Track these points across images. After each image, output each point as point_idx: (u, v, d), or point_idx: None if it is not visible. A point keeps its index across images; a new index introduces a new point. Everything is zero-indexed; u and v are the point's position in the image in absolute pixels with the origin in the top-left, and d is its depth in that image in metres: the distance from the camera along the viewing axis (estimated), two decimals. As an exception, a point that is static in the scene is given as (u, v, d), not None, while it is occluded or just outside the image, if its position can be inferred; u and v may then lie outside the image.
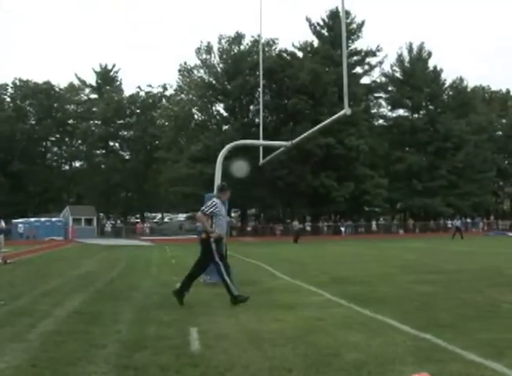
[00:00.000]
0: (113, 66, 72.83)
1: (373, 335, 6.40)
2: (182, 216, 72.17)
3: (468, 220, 59.96)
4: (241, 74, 56.05)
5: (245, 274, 14.76)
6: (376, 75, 68.68)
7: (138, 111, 68.46)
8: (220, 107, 61.24)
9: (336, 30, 59.65)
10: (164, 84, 69.40)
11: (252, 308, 8.63)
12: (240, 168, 52.37)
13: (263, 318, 7.70)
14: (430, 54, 69.07)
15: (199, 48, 60.01)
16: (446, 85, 70.48)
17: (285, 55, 59.06)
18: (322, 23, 64.73)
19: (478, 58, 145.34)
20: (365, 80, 67.31)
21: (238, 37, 60.02)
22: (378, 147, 61.88)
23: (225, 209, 9.85)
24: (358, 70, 66.11)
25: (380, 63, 66.79)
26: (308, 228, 53.63)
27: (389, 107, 70.09)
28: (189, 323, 7.38)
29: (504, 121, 79.09)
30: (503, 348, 5.63)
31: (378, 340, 6.14)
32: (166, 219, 76.23)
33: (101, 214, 63.73)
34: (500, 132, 78.47)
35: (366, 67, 66.51)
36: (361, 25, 63.96)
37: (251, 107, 59.54)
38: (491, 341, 5.99)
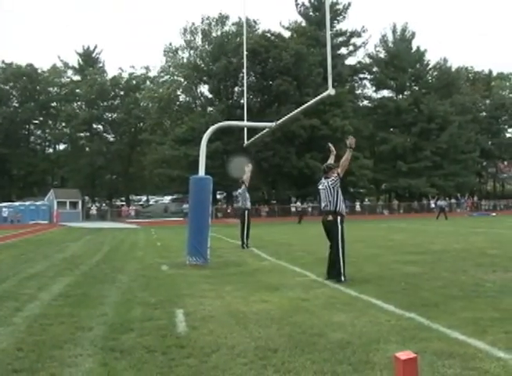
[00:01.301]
0: (95, 47, 72.23)
1: (357, 315, 6.44)
2: (167, 199, 71.99)
3: (452, 200, 60.35)
4: (225, 55, 55.76)
5: (230, 255, 14.81)
6: (360, 56, 68.81)
7: (121, 93, 67.86)
8: (204, 89, 61.08)
9: (322, 11, 59.41)
10: (147, 66, 69.06)
11: (238, 289, 8.67)
12: (237, 166, 52.38)
13: (249, 299, 7.73)
14: (413, 35, 69.11)
15: (184, 29, 59.69)
16: (430, 66, 70.53)
17: (269, 35, 58.81)
18: (308, 3, 64.63)
19: (462, 38, 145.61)
20: (350, 61, 67.53)
21: (222, 18, 59.68)
22: (363, 128, 61.91)
23: None
24: (343, 51, 66.30)
25: (365, 43, 67.02)
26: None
27: (373, 88, 70.25)
28: (175, 305, 7.40)
29: (488, 101, 79.44)
30: (486, 327, 5.70)
31: (363, 320, 6.19)
32: (151, 202, 76.02)
33: (86, 197, 63.31)
34: (484, 113, 78.85)
35: (351, 48, 66.70)
36: (347, 6, 63.88)
37: (236, 89, 59.31)
38: (474, 319, 6.06)
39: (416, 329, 5.68)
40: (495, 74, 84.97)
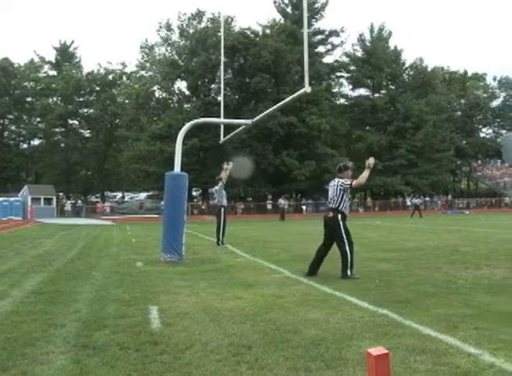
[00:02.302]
0: (72, 42, 71.69)
1: (331, 312, 6.47)
2: (142, 195, 71.64)
3: (427, 198, 60.89)
4: (204, 51, 55.64)
5: (205, 252, 14.77)
6: (338, 55, 69.07)
7: (98, 89, 67.40)
8: (182, 85, 60.92)
9: (300, 9, 59.52)
10: (124, 62, 68.67)
11: (212, 286, 8.66)
12: (243, 166, 52.30)
13: (223, 296, 7.72)
14: (390, 34, 69.78)
15: (160, 26, 59.48)
16: (406, 65, 71.33)
17: (248, 33, 58.81)
18: (286, 0, 64.62)
19: (438, 39, 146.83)
20: (327, 59, 67.79)
21: (199, 14, 59.52)
22: (339, 126, 62.25)
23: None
24: (321, 49, 66.59)
25: (343, 42, 67.42)
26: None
27: (350, 86, 70.65)
28: (150, 302, 7.36)
29: (463, 101, 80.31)
30: (458, 323, 5.77)
31: (336, 316, 6.22)
32: (127, 198, 75.54)
33: (60, 193, 62.80)
34: (459, 112, 79.69)
35: (329, 47, 67.05)
36: (325, 4, 64.05)
37: (213, 86, 59.23)
38: (446, 316, 6.12)
39: (389, 325, 5.72)
40: (470, 74, 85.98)
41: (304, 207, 55.99)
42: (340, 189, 9.49)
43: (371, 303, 6.92)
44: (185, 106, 59.85)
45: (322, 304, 7.00)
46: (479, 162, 78.17)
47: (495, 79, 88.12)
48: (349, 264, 9.31)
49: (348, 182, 9.52)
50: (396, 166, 62.16)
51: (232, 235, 19.41)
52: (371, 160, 9.61)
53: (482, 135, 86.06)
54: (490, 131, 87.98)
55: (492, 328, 5.52)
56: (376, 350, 3.04)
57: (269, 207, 52.60)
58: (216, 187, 17.81)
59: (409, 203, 54.31)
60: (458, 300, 7.10)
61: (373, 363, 2.99)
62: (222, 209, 17.55)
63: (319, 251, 9.74)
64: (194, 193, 63.29)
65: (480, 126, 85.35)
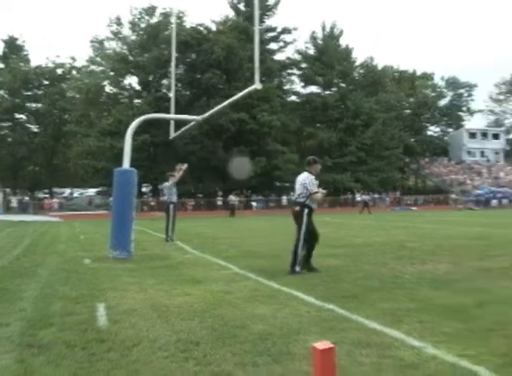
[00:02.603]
0: (20, 35, 70.30)
1: (279, 307, 6.52)
2: (91, 191, 70.54)
3: (376, 195, 61.65)
4: (155, 46, 55.15)
5: (154, 249, 14.69)
6: (290, 52, 69.23)
7: (46, 83, 66.08)
8: (132, 80, 60.23)
9: (253, 5, 59.43)
10: (73, 56, 67.53)
11: (161, 282, 8.62)
12: (241, 167, 52.01)
13: (171, 292, 7.69)
14: (342, 32, 70.24)
15: (110, 20, 58.76)
16: (357, 64, 71.98)
17: (201, 29, 58.53)
18: (239, -3, 64.59)
19: (388, 38, 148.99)
20: (279, 56, 67.81)
21: (151, 9, 58.96)
22: (290, 123, 62.50)
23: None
24: (273, 46, 66.50)
25: (295, 40, 67.49)
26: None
27: (302, 84, 70.82)
28: (97, 299, 7.28)
29: (412, 99, 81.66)
30: (403, 317, 5.88)
31: (284, 311, 6.27)
32: (75, 194, 74.29)
33: (7, 189, 61.37)
34: (408, 111, 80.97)
35: (281, 44, 66.96)
36: (277, 2, 64.14)
37: (165, 81, 58.77)
38: (392, 310, 6.23)
39: (335, 320, 5.80)
40: (418, 73, 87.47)
41: (254, 204, 56.04)
42: (305, 187, 9.55)
43: (318, 298, 6.99)
44: (135, 101, 59.23)
45: (270, 299, 7.04)
46: (427, 160, 79.59)
47: (442, 79, 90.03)
48: (298, 260, 9.41)
49: (312, 189, 9.53)
50: (346, 163, 62.72)
51: (182, 231, 19.35)
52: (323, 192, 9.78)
53: (430, 133, 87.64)
54: (437, 129, 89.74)
55: (435, 321, 5.65)
56: (321, 344, 3.09)
57: (219, 203, 52.48)
58: (167, 183, 17.69)
59: (358, 199, 54.92)
60: (403, 294, 7.23)
61: (318, 357, 3.03)
62: (172, 206, 17.46)
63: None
64: (144, 190, 62.65)
65: (428, 124, 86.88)
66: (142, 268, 10.55)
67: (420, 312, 6.08)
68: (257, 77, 10.00)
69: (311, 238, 9.62)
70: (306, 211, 9.54)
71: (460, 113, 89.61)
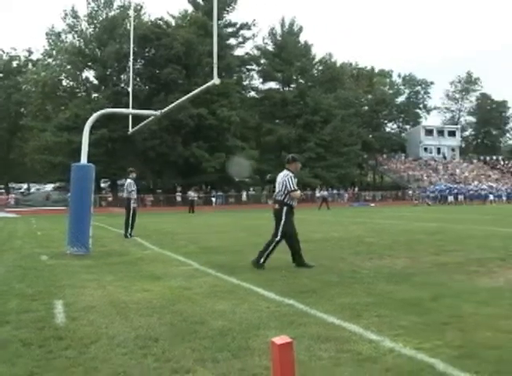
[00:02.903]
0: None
1: (238, 303, 6.53)
2: (49, 186, 69.58)
3: (334, 191, 62.11)
4: (113, 40, 54.55)
5: (113, 245, 14.56)
6: (249, 48, 69.19)
7: (1, 75, 64.83)
8: (90, 74, 59.44)
9: (211, 0, 59.29)
10: (30, 49, 66.35)
11: (119, 279, 8.56)
12: (240, 168, 51.51)
13: (130, 289, 7.65)
14: (301, 29, 70.47)
15: (65, 13, 57.83)
16: (316, 60, 72.25)
17: (161, 23, 58.11)
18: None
19: (347, 35, 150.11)
20: (238, 52, 67.72)
21: (108, 2, 58.27)
22: (249, 119, 62.53)
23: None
24: (233, 41, 66.28)
25: (254, 35, 67.40)
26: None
27: (261, 80, 70.93)
28: (54, 296, 7.18)
29: (370, 96, 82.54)
30: (361, 311, 5.95)
31: (243, 307, 6.28)
32: (32, 190, 73.14)
33: (-38, 184, 60.28)
34: (366, 107, 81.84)
35: (240, 39, 66.81)
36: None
37: (123, 76, 58.22)
38: (350, 305, 6.30)
39: (294, 315, 5.83)
40: (376, 70, 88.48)
41: (213, 200, 55.99)
42: (284, 185, 9.62)
43: (277, 293, 7.02)
44: (93, 95, 58.51)
45: (230, 295, 7.05)
46: (384, 156, 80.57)
47: (400, 76, 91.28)
48: (266, 253, 9.52)
49: (290, 187, 9.59)
50: (305, 159, 62.93)
51: (141, 227, 19.21)
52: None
53: (388, 129, 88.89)
54: (395, 126, 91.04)
55: (392, 315, 5.74)
56: (280, 339, 3.10)
57: (179, 199, 52.25)
58: (129, 180, 17.54)
59: (317, 195, 55.24)
60: (361, 289, 7.31)
61: (277, 351, 3.04)
62: (132, 201, 17.33)
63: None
64: (102, 185, 62.07)
65: (385, 121, 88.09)
66: (100, 264, 10.45)
67: (378, 307, 6.16)
68: (215, 72, 9.99)
69: (293, 237, 9.74)
70: (285, 209, 9.60)
71: (417, 110, 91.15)
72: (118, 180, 61.88)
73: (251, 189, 62.84)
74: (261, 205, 54.81)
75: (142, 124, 16.78)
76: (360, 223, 22.99)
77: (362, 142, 71.51)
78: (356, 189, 68.02)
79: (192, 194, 43.24)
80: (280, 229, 9.55)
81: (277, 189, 9.81)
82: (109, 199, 51.38)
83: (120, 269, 9.72)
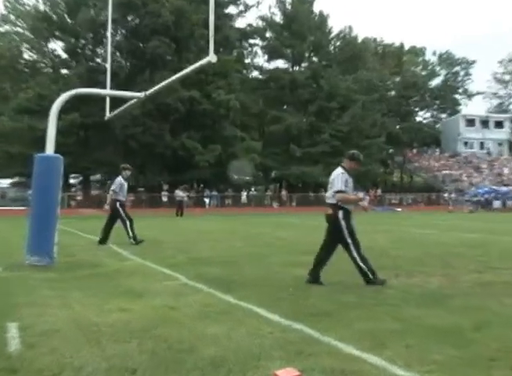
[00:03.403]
0: None
1: (235, 326, 6.48)
2: (5, 182, 69.60)
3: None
4: (88, 5, 54.45)
5: (84, 254, 14.53)
6: (252, 18, 69.01)
7: None
8: (58, 46, 59.24)
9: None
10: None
11: (90, 295, 8.49)
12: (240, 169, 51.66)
13: (104, 308, 7.59)
14: (315, -4, 70.26)
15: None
16: (333, 35, 71.99)
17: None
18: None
19: (371, 5, 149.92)
20: (239, 23, 67.75)
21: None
22: (251, 104, 62.56)
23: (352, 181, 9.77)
24: (232, 10, 65.89)
25: (259, 3, 67.08)
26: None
27: (266, 57, 70.86)
28: (8, 318, 7.07)
29: (398, 78, 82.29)
30: (385, 340, 5.88)
31: (241, 332, 6.23)
32: (-14, 186, 73.30)
33: None
34: (393, 92, 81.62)
35: (242, 8, 66.43)
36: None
37: (100, 49, 58.15)
38: (371, 331, 6.24)
39: (303, 342, 5.77)
40: (407, 47, 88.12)
41: (206, 201, 56.00)
42: (335, 182, 9.59)
43: (283, 316, 6.97)
44: (62, 72, 58.37)
45: (225, 316, 7.00)
46: (415, 151, 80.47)
47: (434, 54, 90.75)
48: (364, 269, 9.49)
49: (337, 186, 9.49)
50: (318, 154, 62.97)
51: (118, 233, 19.18)
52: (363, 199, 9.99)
53: (419, 119, 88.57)
54: (428, 115, 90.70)
55: (423, 346, 5.66)
56: (286, 372, 3.05)
57: (165, 199, 52.26)
58: (120, 179, 17.60)
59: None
60: (386, 313, 7.25)
61: (282, 387, 2.99)
62: (118, 204, 17.53)
63: (319, 254, 9.92)
64: (72, 181, 62.14)
65: (416, 109, 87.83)
66: (67, 278, 10.40)
67: (405, 335, 6.10)
68: (211, 47, 9.95)
69: (332, 244, 9.83)
70: (341, 213, 9.48)
71: (456, 95, 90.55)
72: (92, 176, 61.89)
73: (252, 188, 62.84)
74: (265, 208, 54.92)
75: (122, 108, 16.75)
76: (384, 232, 22.96)
77: (388, 133, 71.44)
78: (379, 190, 67.94)
79: (180, 194, 43.26)
80: (347, 235, 9.50)
81: (328, 191, 9.79)
82: (80, 198, 51.38)
83: (92, 283, 9.68)
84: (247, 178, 62.82)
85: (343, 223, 9.46)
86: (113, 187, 17.58)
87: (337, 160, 57.44)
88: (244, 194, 58.25)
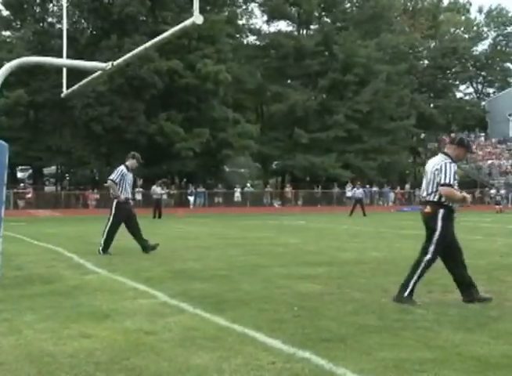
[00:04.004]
0: None
1: (227, 355, 6.48)
2: None
3: (374, 189, 61.86)
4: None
5: (36, 266, 14.53)
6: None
7: None
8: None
9: None
10: None
11: (45, 319, 8.47)
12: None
13: (62, 334, 7.57)
14: None
15: None
16: (350, -12, 71.87)
17: None
18: None
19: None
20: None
21: None
22: (247, 78, 62.39)
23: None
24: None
25: None
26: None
27: (265, 18, 70.66)
28: None
29: (433, 44, 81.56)
30: (413, 372, 5.88)
31: (235, 362, 6.22)
32: None
33: None
34: (426, 61, 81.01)
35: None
36: None
37: (53, 6, 57.95)
38: (398, 361, 6.23)
39: (312, 375, 5.79)
40: (445, 3, 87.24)
41: (191, 199, 55.95)
42: (436, 173, 9.41)
43: (286, 342, 6.97)
44: (3, 34, 58.00)
45: (214, 343, 7.01)
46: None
47: (481, 11, 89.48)
48: (414, 281, 9.52)
49: (446, 179, 9.22)
50: (330, 140, 62.77)
51: (80, 239, 19.25)
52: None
53: (459, 95, 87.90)
54: (471, 90, 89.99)
55: (463, 380, 5.69)
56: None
57: (138, 197, 52.19)
58: (123, 167, 17.62)
59: (348, 194, 55.27)
60: (415, 338, 7.26)
61: None
62: (115, 202, 17.58)
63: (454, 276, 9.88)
64: (20, 175, 62.06)
65: (456, 82, 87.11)
66: (14, 296, 10.37)
67: (440, 366, 6.09)
68: (196, 4, 9.94)
69: (452, 253, 9.73)
70: (441, 212, 9.41)
71: (508, 64, 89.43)
72: (45, 168, 61.66)
73: (248, 183, 62.64)
74: (264, 208, 54.84)
75: (83, 82, 16.71)
76: (413, 237, 22.88)
77: (419, 114, 71.27)
78: (408, 185, 67.85)
79: (158, 191, 43.23)
80: (434, 242, 9.47)
81: (424, 184, 9.75)
82: (30, 196, 51.28)
83: (47, 303, 9.66)
84: (242, 170, 62.77)
85: (440, 224, 9.38)
86: (111, 176, 17.49)
87: (355, 146, 57.35)
88: (238, 191, 58.16)
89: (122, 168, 17.51)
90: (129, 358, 6.45)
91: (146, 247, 17.36)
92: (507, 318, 8.43)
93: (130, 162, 17.61)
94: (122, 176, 17.37)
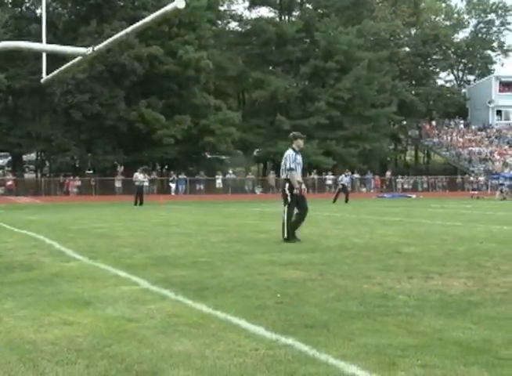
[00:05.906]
0: None
1: (210, 342, 6.47)
2: None
3: (355, 176, 61.88)
4: None
5: (15, 253, 14.48)
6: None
7: None
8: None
9: None
10: None
11: (25, 306, 8.44)
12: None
13: (43, 321, 7.53)
14: None
15: None
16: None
17: None
18: None
19: None
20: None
21: None
22: (228, 64, 62.32)
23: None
24: None
25: None
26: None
27: (247, 3, 70.61)
28: None
29: (414, 31, 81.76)
30: (397, 358, 5.87)
31: (218, 349, 6.21)
32: None
33: None
34: (407, 48, 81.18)
35: None
36: None
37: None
38: (380, 347, 6.23)
39: (295, 361, 5.77)
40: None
41: (172, 186, 55.90)
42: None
43: (270, 328, 6.98)
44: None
45: (197, 330, 6.99)
46: (434, 123, 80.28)
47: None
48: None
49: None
50: (311, 127, 62.79)
51: (60, 226, 19.18)
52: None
53: (440, 82, 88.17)
54: (451, 77, 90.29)
55: (445, 366, 5.65)
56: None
57: (119, 184, 52.07)
58: (291, 150, 17.23)
59: (329, 182, 55.32)
60: (397, 324, 7.27)
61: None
62: (287, 186, 17.10)
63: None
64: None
65: (437, 69, 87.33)
66: (-6, 283, 10.37)
67: (422, 352, 6.10)
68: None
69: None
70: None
71: (488, 51, 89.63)
72: (24, 155, 61.45)
73: (230, 171, 62.62)
74: (246, 195, 54.89)
75: (63, 68, 16.63)
76: (395, 224, 23.05)
77: (400, 101, 71.42)
78: (389, 172, 67.95)
79: (140, 178, 43.14)
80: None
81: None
82: (10, 183, 51.06)
83: (27, 290, 9.61)
84: (223, 157, 62.71)
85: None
86: (287, 164, 16.43)
87: (336, 133, 57.63)
88: (220, 178, 58.12)
89: (291, 151, 16.68)
90: (111, 345, 6.42)
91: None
92: (488, 303, 8.43)
93: (296, 143, 16.88)
94: (295, 159, 16.68)
